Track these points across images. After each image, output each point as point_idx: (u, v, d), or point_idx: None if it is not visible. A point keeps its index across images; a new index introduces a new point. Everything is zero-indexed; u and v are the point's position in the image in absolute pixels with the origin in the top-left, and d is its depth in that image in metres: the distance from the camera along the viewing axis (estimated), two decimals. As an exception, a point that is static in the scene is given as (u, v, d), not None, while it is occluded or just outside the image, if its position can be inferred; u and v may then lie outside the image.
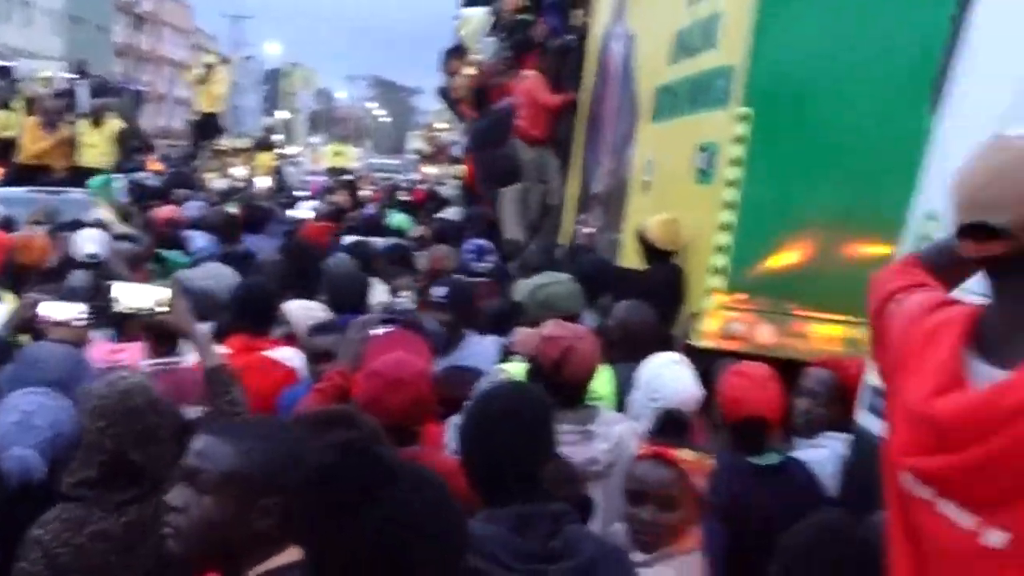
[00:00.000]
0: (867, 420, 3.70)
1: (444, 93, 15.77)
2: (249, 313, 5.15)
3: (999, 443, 1.80)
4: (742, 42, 5.90)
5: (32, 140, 13.96)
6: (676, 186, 6.67)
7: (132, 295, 3.94)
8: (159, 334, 4.50)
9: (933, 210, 3.60)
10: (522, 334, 4.77)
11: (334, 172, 24.32)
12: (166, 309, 3.85)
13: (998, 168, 1.92)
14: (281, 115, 67.87)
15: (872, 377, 3.72)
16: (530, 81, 10.24)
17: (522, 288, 6.05)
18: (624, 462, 3.71)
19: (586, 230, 8.76)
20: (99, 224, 8.14)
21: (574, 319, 4.87)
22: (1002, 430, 1.80)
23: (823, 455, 4.07)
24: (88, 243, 7.01)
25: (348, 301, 5.72)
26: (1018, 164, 1.90)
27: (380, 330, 4.37)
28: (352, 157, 30.86)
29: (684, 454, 3.24)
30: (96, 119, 14.36)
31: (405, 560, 1.95)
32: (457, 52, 14.49)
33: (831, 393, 4.22)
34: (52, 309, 4.64)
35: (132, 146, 15.97)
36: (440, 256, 7.77)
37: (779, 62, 5.81)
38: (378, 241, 9.05)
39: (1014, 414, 1.79)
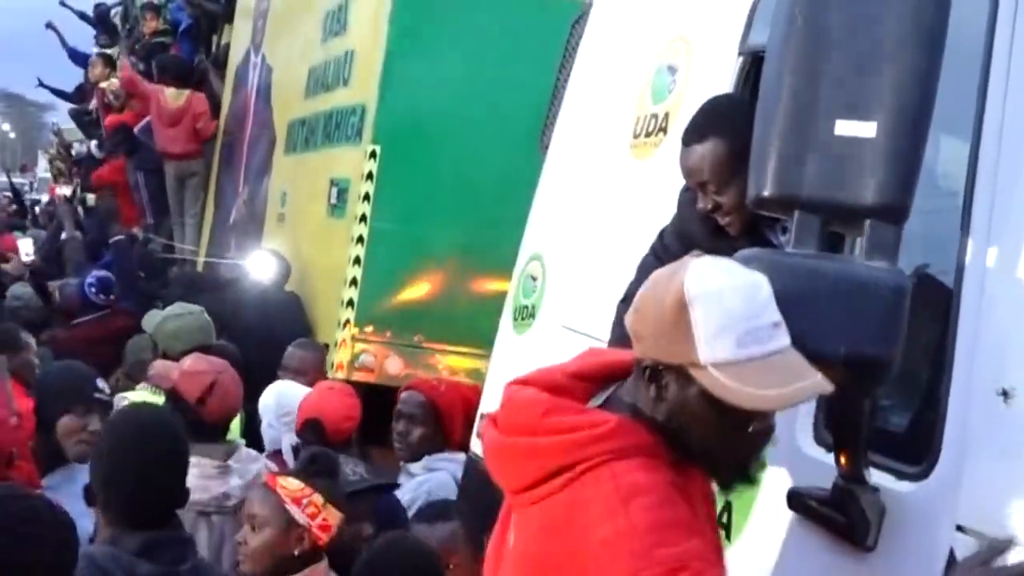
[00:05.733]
0: (478, 446, 3.91)
1: (77, 114, 15.08)
2: None
3: None
4: (372, 81, 6.08)
5: None
6: (310, 219, 6.77)
7: None
8: None
9: (537, 252, 3.88)
10: (159, 366, 4.71)
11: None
12: None
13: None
14: None
15: (485, 405, 3.96)
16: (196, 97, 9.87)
17: (151, 319, 5.96)
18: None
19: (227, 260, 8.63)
20: None
21: (207, 350, 4.89)
22: None
23: (442, 478, 4.27)
24: None
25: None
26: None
27: None
28: None
29: (288, 483, 3.35)
30: None
31: None
32: (106, 59, 13.85)
33: (424, 414, 4.40)
34: None
35: None
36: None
37: (407, 101, 6.02)
38: None
39: None
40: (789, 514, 2.16)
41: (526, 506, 1.91)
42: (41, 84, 16.03)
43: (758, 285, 1.80)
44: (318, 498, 3.29)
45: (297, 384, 4.82)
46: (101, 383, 3.96)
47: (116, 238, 9.54)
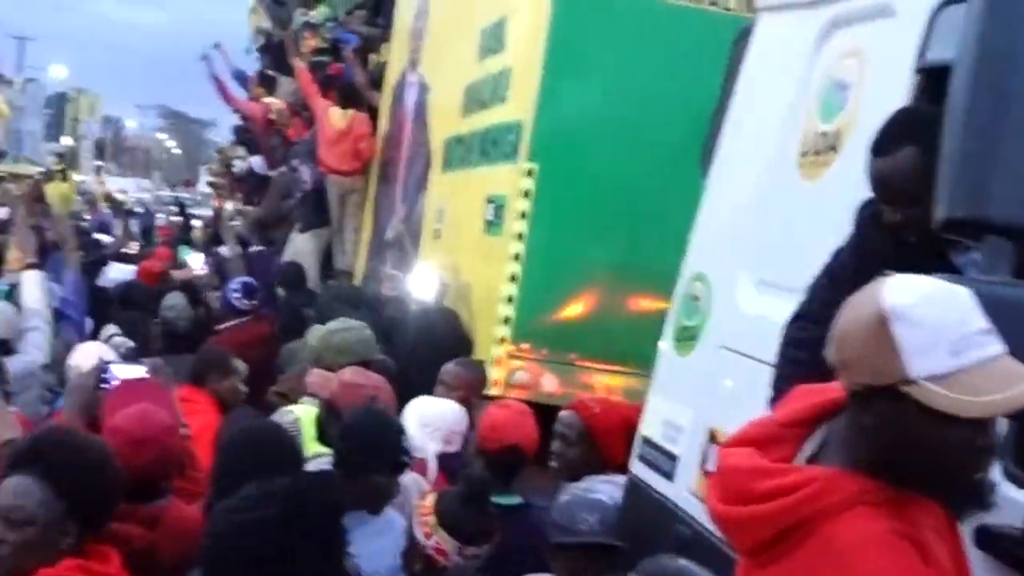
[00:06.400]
0: (639, 469, 3.88)
1: (240, 132, 15.53)
2: None
3: None
4: (529, 98, 6.09)
5: None
6: (466, 236, 6.81)
7: None
8: None
9: (701, 271, 3.82)
10: (317, 375, 4.81)
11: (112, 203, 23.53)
12: None
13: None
14: (66, 141, 65.34)
15: (645, 428, 3.92)
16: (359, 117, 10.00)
17: (315, 333, 6.08)
18: (400, 510, 3.86)
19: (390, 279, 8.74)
20: None
21: (367, 364, 4.99)
22: None
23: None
24: None
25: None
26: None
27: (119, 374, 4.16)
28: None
29: (426, 499, 3.38)
30: None
31: None
32: (267, 80, 14.24)
33: (578, 435, 4.34)
34: None
35: None
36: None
37: (564, 119, 6.00)
38: None
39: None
40: (977, 552, 2.07)
41: (761, 569, 1.87)
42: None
43: (959, 293, 1.74)
44: (432, 519, 3.30)
45: (435, 398, 4.91)
46: (410, 443, 3.97)
47: (256, 248, 9.83)
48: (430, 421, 4.57)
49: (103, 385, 4.01)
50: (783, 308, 2.92)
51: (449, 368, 5.43)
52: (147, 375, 4.12)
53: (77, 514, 2.82)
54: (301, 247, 10.57)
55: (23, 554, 2.74)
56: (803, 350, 2.61)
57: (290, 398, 5.16)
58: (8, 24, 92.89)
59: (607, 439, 4.29)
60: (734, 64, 4.12)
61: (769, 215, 3.48)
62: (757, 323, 3.28)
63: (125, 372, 4.07)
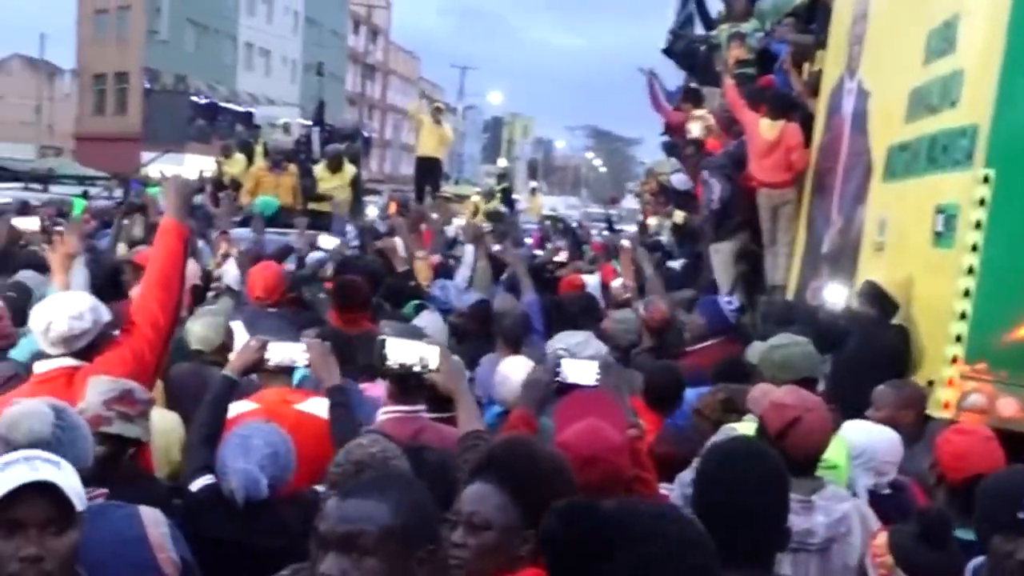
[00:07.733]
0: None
1: (669, 147, 15.68)
2: None
3: None
4: (985, 101, 5.68)
5: (254, 181, 14.60)
6: (911, 249, 6.44)
7: (402, 352, 4.02)
8: (432, 392, 4.32)
9: None
10: (758, 390, 4.70)
11: (547, 220, 24.41)
12: (434, 368, 3.95)
13: None
14: (501, 163, 69.15)
15: None
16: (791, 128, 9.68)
17: (757, 348, 5.96)
18: (843, 541, 3.64)
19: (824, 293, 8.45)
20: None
21: (811, 382, 4.80)
22: None
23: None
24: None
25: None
26: None
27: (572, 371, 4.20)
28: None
29: (880, 537, 3.17)
30: (334, 165, 14.86)
31: None
32: (692, 94, 14.25)
33: None
34: (278, 352, 4.39)
35: (363, 190, 16.54)
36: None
37: (1024, 122, 5.56)
38: None
39: None
40: None
41: None
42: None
43: None
44: (888, 559, 3.09)
45: (869, 424, 4.63)
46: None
47: (679, 262, 9.76)
48: (861, 452, 4.30)
49: (556, 379, 4.11)
50: None
51: (879, 388, 5.18)
52: (598, 377, 4.14)
53: (533, 522, 2.86)
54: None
55: (482, 559, 2.81)
56: None
57: (708, 417, 5.06)
58: (452, 55, 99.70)
59: None
60: None
61: None
62: None
63: (577, 368, 4.13)
